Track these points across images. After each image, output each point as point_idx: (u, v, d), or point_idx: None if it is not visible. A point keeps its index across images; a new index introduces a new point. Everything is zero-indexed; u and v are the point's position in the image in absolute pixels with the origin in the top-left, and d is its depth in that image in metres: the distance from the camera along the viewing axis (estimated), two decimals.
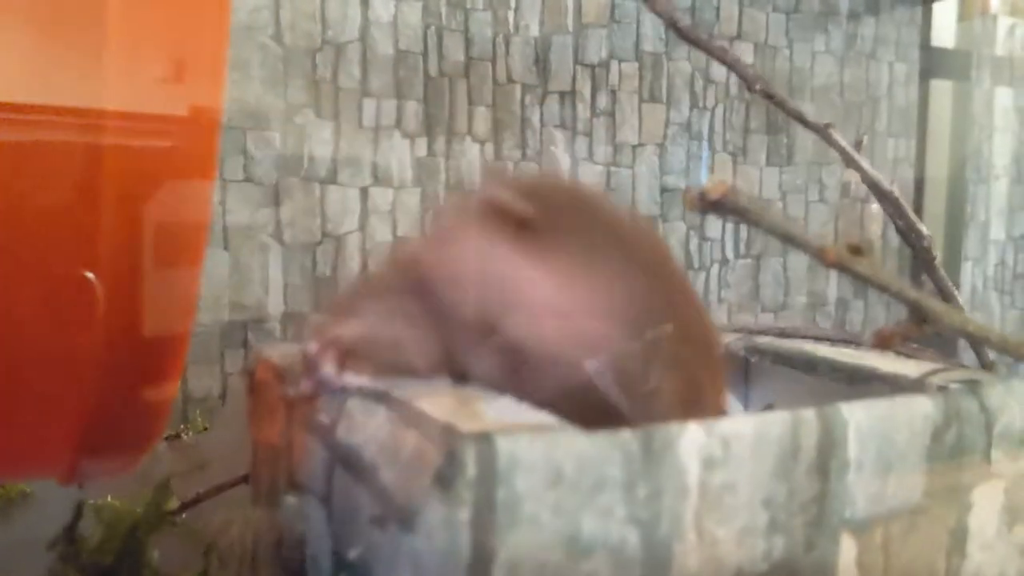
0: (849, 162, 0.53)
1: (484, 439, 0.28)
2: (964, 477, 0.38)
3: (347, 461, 0.34)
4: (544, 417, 0.31)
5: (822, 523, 0.34)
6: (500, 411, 0.32)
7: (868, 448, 0.35)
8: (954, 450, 0.37)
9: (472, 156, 1.68)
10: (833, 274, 2.03)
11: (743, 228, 1.93)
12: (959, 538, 0.38)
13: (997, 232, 2.27)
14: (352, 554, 0.32)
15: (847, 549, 0.35)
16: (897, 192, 0.55)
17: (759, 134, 1.94)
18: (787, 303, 1.97)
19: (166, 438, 0.97)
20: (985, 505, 0.38)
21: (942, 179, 2.26)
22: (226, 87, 1.33)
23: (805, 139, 2.00)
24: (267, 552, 0.41)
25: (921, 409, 0.36)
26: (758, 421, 0.33)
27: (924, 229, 0.56)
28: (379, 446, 0.32)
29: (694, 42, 0.47)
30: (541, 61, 1.76)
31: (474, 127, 1.70)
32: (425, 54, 1.66)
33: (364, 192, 1.59)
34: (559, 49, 1.78)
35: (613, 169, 1.81)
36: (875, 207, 2.17)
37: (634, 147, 1.85)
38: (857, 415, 0.35)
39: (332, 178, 1.56)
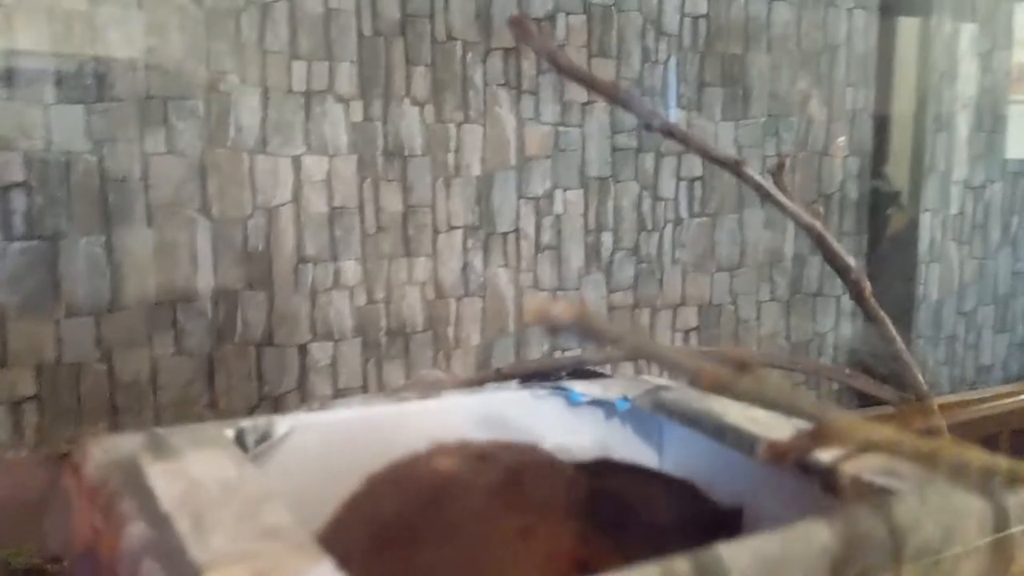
0: (765, 196, 0.47)
1: None
2: None
3: None
4: None
5: None
6: None
7: None
8: None
9: (411, 119, 1.59)
10: (790, 231, 1.98)
11: (697, 187, 1.87)
12: None
13: (957, 182, 2.23)
14: None
15: None
16: (820, 227, 0.49)
17: (714, 87, 1.87)
18: (743, 261, 1.92)
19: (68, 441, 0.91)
20: None
21: (907, 124, 2.20)
22: (143, 54, 1.24)
23: (762, 91, 1.93)
24: None
25: (818, 540, 0.32)
26: None
27: (851, 262, 0.51)
28: None
29: (579, 79, 0.41)
30: (483, 16, 1.66)
31: (413, 88, 1.61)
32: (358, 12, 1.56)
33: (296, 161, 1.50)
34: (502, 2, 1.68)
35: (561, 129, 1.73)
36: (840, 143, 2.11)
37: (583, 105, 1.77)
38: (741, 560, 0.30)
39: (261, 147, 1.47)
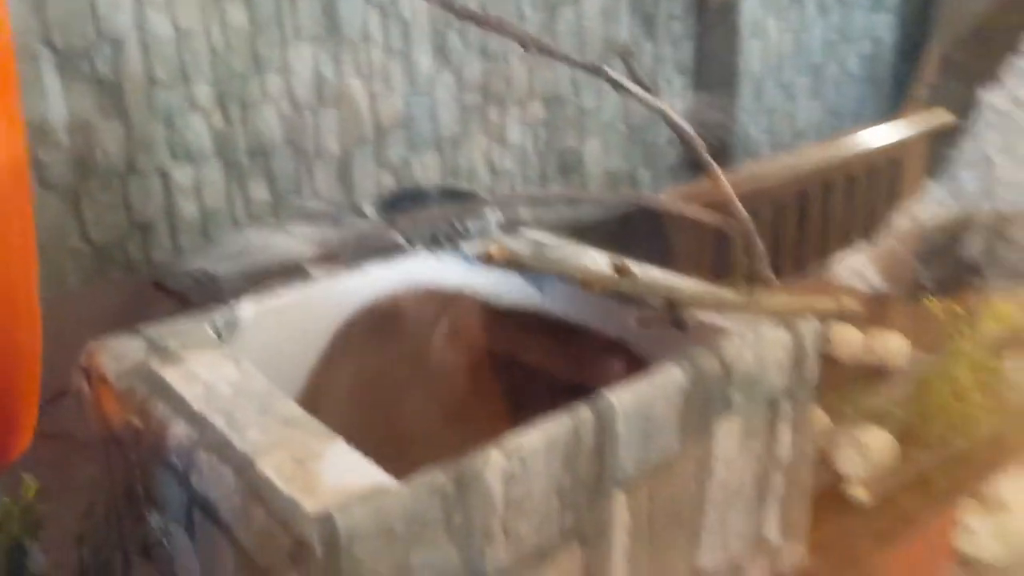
0: (626, 93, 0.57)
1: (327, 522, 0.34)
2: (709, 420, 0.47)
3: (205, 508, 0.40)
4: (372, 472, 0.37)
5: (599, 490, 0.43)
6: (337, 469, 0.37)
7: (633, 426, 0.43)
8: (701, 405, 0.46)
9: None
10: (624, 19, 2.06)
11: None
12: (705, 464, 0.48)
13: None
14: None
15: (619, 502, 0.44)
16: (666, 108, 0.60)
17: None
18: (584, 51, 2.00)
19: None
20: (726, 434, 0.48)
21: None
22: None
23: None
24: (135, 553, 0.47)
25: (674, 380, 0.45)
26: (546, 433, 0.41)
27: (689, 129, 0.62)
28: (233, 512, 0.37)
29: (469, 17, 0.49)
30: None
31: None
32: None
33: None
34: None
35: None
36: None
37: None
38: (624, 401, 0.43)
39: None
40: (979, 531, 0.83)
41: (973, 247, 2.53)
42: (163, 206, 1.55)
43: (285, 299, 0.55)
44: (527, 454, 0.40)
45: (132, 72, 1.46)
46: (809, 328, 0.50)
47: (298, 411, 0.41)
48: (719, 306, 0.45)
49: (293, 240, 1.05)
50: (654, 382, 0.44)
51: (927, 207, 2.96)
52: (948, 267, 2.67)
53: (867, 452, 0.63)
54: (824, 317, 0.52)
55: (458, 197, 1.19)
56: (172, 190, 1.55)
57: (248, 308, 0.53)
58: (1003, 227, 2.56)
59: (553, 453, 0.41)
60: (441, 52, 1.80)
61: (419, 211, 1.20)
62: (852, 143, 2.69)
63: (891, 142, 2.78)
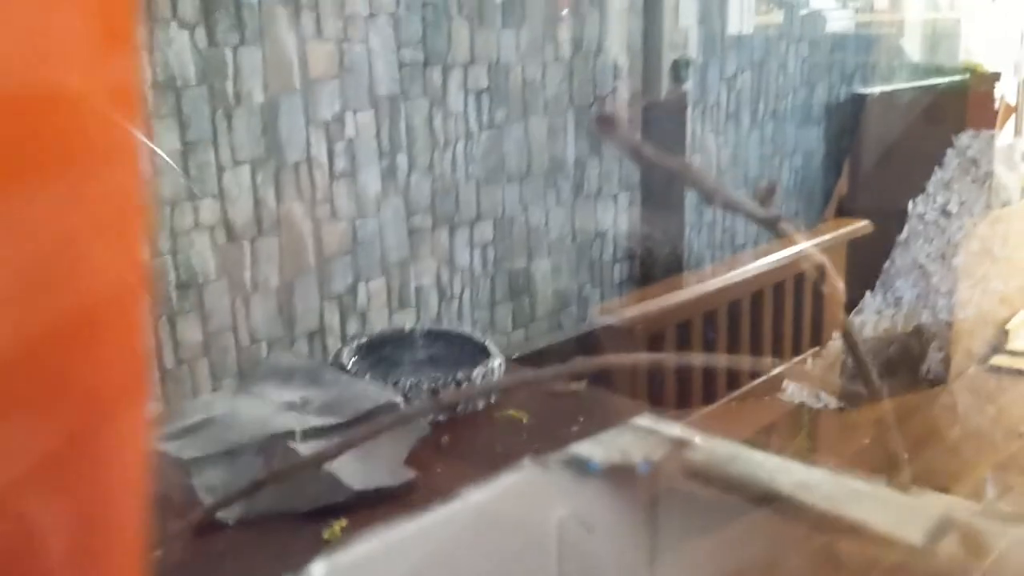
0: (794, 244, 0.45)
1: None
2: None
3: None
4: None
5: None
6: None
7: None
8: None
9: (181, 45, 1.39)
10: (571, 138, 1.98)
11: (484, 98, 1.82)
12: None
13: (714, 73, 2.33)
14: None
15: None
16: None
17: None
18: (531, 170, 1.90)
19: None
20: None
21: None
22: None
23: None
24: None
25: None
26: None
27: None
28: None
29: (664, 166, 0.36)
30: None
31: (180, 9, 1.39)
32: None
33: None
34: None
35: (345, 46, 1.59)
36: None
37: (365, 18, 1.62)
38: None
39: None
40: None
41: (932, 356, 2.47)
42: None
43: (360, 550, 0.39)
44: None
45: None
46: None
47: None
48: None
49: (267, 406, 0.88)
50: None
51: (867, 317, 2.94)
52: (906, 376, 2.60)
53: None
54: None
55: (448, 340, 1.04)
56: None
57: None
58: (955, 336, 2.52)
59: None
60: (389, 174, 1.67)
61: (405, 358, 1.05)
62: (777, 252, 2.67)
63: (813, 250, 2.74)
